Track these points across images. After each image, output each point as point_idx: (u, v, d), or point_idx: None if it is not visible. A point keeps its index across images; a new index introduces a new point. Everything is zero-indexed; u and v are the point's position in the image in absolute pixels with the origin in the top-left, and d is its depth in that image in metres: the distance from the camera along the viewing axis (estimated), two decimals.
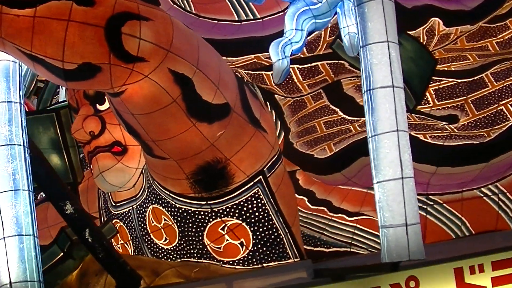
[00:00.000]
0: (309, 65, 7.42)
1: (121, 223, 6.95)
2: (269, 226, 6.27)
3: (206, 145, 5.80)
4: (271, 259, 6.33)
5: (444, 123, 7.17)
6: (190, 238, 6.32)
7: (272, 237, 6.29)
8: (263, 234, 6.26)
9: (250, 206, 6.20)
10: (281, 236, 6.33)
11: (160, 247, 6.60)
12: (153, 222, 6.58)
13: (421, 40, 7.25)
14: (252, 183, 6.17)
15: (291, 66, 7.39)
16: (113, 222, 6.92)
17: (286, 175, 6.60)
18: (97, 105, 6.69)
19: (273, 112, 7.88)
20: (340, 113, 7.57)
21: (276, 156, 6.36)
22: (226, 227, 6.22)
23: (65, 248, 6.01)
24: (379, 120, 5.34)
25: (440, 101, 7.29)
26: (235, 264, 6.30)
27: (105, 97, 6.55)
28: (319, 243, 7.39)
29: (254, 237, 6.25)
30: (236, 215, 6.18)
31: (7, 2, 4.78)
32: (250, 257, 6.29)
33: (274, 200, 6.28)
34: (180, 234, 6.37)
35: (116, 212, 6.99)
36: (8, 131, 5.04)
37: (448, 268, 5.78)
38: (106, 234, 6.26)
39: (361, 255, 7.05)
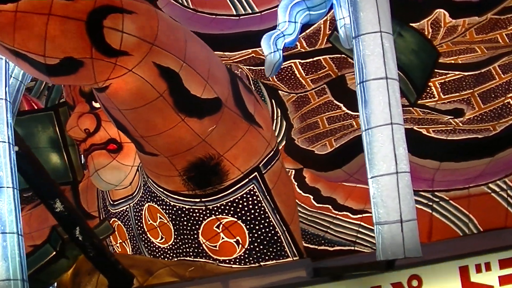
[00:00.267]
0: (311, 59, 7.25)
1: (119, 222, 6.87)
2: (266, 224, 6.12)
3: (197, 141, 5.67)
4: (268, 258, 6.19)
5: (449, 117, 6.95)
6: (186, 237, 6.21)
7: (269, 235, 6.14)
8: (259, 232, 6.12)
9: (245, 204, 6.05)
10: (278, 234, 6.18)
11: (156, 246, 6.50)
12: (149, 221, 6.48)
13: (426, 33, 7.04)
14: (247, 179, 6.03)
15: (292, 61, 7.34)
16: (111, 221, 6.85)
17: (284, 172, 6.45)
18: (93, 102, 6.61)
19: (278, 109, 7.74)
20: (344, 108, 7.39)
21: (273, 152, 6.21)
22: (221, 225, 6.09)
23: (58, 247, 5.93)
24: (372, 113, 5.16)
25: (446, 95, 7.08)
26: (232, 263, 6.17)
27: None
28: (323, 241, 7.25)
29: (250, 235, 6.11)
30: (231, 212, 6.05)
31: None
32: (246, 255, 6.15)
33: (271, 197, 6.13)
34: (176, 233, 6.26)
35: (114, 211, 6.91)
36: None
37: (452, 266, 5.60)
38: (101, 233, 6.18)
39: (364, 254, 6.88)
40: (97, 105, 6.57)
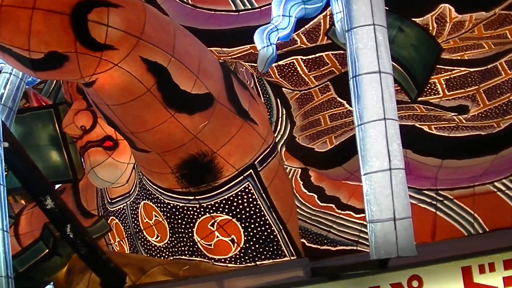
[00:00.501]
0: (313, 56, 7.11)
1: (117, 220, 6.81)
2: (262, 222, 6.01)
3: (188, 137, 5.58)
4: (265, 257, 6.07)
5: (453, 114, 6.77)
6: (181, 235, 6.12)
7: (265, 233, 6.03)
8: (255, 231, 6.01)
9: (240, 201, 5.95)
10: (274, 233, 6.06)
11: (153, 245, 6.42)
12: (145, 219, 6.41)
13: (431, 28, 6.87)
14: (241, 177, 5.92)
15: (294, 57, 7.20)
16: (109, 219, 6.80)
17: (282, 169, 6.33)
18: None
19: (283, 107, 7.62)
20: (347, 105, 7.24)
21: (269, 149, 6.10)
22: (215, 223, 5.99)
23: (50, 244, 5.87)
24: (365, 108, 5.03)
25: (450, 91, 6.90)
26: (227, 262, 6.07)
27: None
28: (325, 241, 7.11)
29: (246, 233, 6.00)
30: (226, 210, 5.94)
31: None
32: (242, 254, 6.04)
33: (267, 195, 6.02)
34: (171, 231, 6.17)
35: (112, 209, 6.85)
36: None
37: (455, 267, 5.43)
38: (98, 231, 6.13)
39: (365, 253, 6.73)
40: None
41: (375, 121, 4.98)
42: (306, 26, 6.62)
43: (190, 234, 6.07)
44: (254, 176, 5.96)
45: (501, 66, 6.91)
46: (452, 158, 6.56)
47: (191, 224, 6.03)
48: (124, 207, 6.69)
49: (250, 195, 5.96)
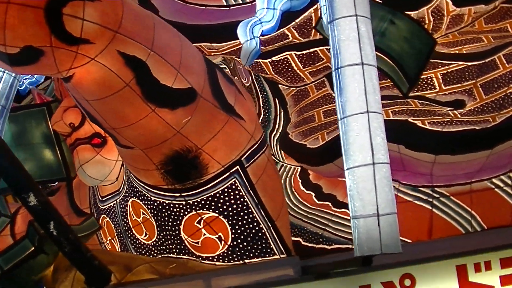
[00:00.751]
0: (307, 51, 6.98)
1: (108, 219, 6.74)
2: (249, 220, 5.90)
3: (171, 133, 5.49)
4: (253, 255, 5.96)
5: (448, 108, 6.61)
6: (168, 233, 6.03)
7: (253, 231, 5.92)
8: (242, 228, 5.90)
9: (227, 198, 5.84)
10: (263, 231, 5.95)
11: (142, 243, 6.34)
12: (133, 217, 6.33)
13: (427, 22, 6.71)
14: (228, 173, 5.82)
15: (287, 53, 7.08)
16: (101, 217, 6.74)
17: (271, 166, 6.21)
18: None
19: (279, 103, 7.51)
20: None
21: (257, 145, 5.99)
22: (202, 221, 5.89)
23: (35, 242, 5.81)
24: (347, 101, 4.93)
25: (447, 86, 6.73)
26: (215, 260, 5.96)
27: None
28: (321, 240, 6.98)
29: (233, 231, 5.89)
30: (212, 207, 5.84)
31: None
32: (230, 252, 5.93)
33: (254, 192, 5.90)
34: (158, 229, 6.09)
35: (103, 207, 6.79)
36: None
37: (449, 265, 5.31)
38: (87, 229, 6.07)
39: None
40: None
41: (357, 114, 4.88)
42: (297, 20, 6.50)
43: (177, 232, 5.98)
44: (241, 173, 5.85)
45: (499, 59, 6.73)
46: (446, 153, 6.40)
47: (178, 222, 5.94)
48: (114, 205, 6.63)
49: (237, 192, 5.85)
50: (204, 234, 5.91)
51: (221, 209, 5.84)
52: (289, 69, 7.16)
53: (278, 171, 6.69)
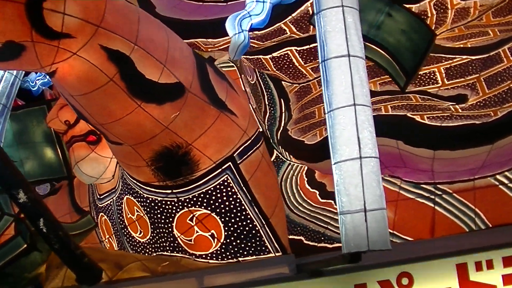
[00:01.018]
0: (307, 46, 6.87)
1: (106, 217, 6.71)
2: (242, 217, 5.80)
3: (159, 128, 5.42)
4: (247, 253, 5.86)
5: (450, 103, 6.43)
6: (161, 230, 5.97)
7: (247, 229, 5.81)
8: (235, 226, 5.80)
9: (219, 195, 5.75)
10: (256, 228, 5.84)
11: (137, 241, 6.29)
12: (128, 214, 6.28)
13: (429, 15, 6.55)
14: (220, 170, 5.72)
15: (288, 48, 6.98)
16: (99, 215, 6.71)
17: (265, 163, 6.09)
18: None
19: (283, 100, 7.41)
20: None
21: (250, 141, 5.89)
22: (194, 218, 5.80)
23: (27, 239, 5.79)
24: (334, 94, 4.79)
25: (450, 80, 6.55)
26: (208, 258, 5.87)
27: None
28: (323, 238, 6.85)
29: (226, 228, 5.79)
30: (204, 204, 5.75)
31: None
32: (223, 250, 5.84)
33: (247, 188, 5.80)
34: (152, 226, 6.02)
35: (101, 205, 6.76)
36: None
37: (449, 263, 5.16)
38: (82, 227, 6.03)
39: None
40: None
41: (344, 107, 4.74)
42: (293, 14, 6.39)
43: (170, 230, 5.91)
44: (234, 169, 5.76)
45: (503, 53, 6.53)
46: (445, 148, 6.23)
47: (170, 219, 5.87)
48: (111, 203, 6.60)
49: (229, 189, 5.76)
50: (197, 232, 5.83)
51: (213, 206, 5.76)
52: (291, 65, 7.05)
53: (274, 168, 6.57)
